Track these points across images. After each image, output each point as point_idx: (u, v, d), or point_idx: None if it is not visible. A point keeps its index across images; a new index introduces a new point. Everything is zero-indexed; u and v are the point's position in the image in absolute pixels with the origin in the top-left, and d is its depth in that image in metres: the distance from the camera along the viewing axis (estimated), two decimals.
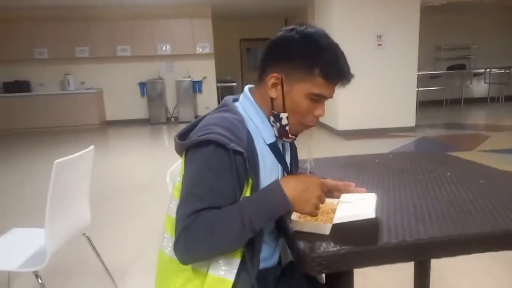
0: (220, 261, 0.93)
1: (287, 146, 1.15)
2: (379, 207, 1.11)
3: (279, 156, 1.06)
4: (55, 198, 1.60)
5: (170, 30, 8.96)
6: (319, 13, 7.29)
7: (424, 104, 9.76)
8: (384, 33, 6.41)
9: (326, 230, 0.96)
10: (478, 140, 5.77)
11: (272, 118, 1.02)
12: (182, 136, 1.01)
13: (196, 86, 9.32)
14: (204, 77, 9.44)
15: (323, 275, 1.09)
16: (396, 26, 6.41)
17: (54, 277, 2.34)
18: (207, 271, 0.94)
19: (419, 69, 7.08)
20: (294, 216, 1.02)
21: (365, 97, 6.61)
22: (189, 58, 9.30)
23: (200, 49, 9.16)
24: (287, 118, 0.99)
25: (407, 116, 6.77)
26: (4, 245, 1.83)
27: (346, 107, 6.60)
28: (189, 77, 9.22)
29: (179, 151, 1.01)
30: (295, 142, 1.16)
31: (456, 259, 2.39)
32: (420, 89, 8.90)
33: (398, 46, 6.47)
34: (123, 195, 3.99)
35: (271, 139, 1.04)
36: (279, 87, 0.98)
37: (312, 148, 1.11)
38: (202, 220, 0.85)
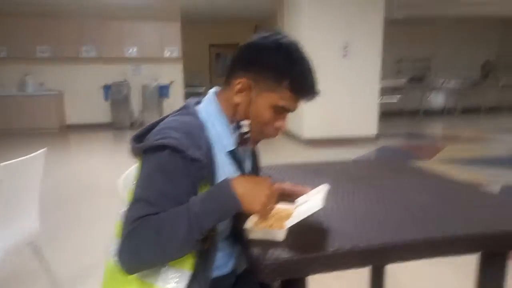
0: (169, 273, 0.89)
1: (248, 154, 1.13)
2: (334, 212, 1.11)
3: (238, 165, 1.04)
4: (2, 203, 1.50)
5: (138, 32, 8.78)
6: (289, 21, 7.40)
7: (386, 114, 10.09)
8: (350, 43, 6.59)
9: (279, 236, 0.95)
10: (435, 150, 6.01)
11: (234, 124, 1.01)
12: (139, 138, 0.98)
13: (163, 91, 9.16)
14: (172, 82, 9.30)
15: (279, 282, 1.08)
16: (361, 37, 6.61)
17: (4, 287, 2.20)
18: (155, 283, 0.89)
19: (381, 80, 7.34)
20: (248, 224, 1.00)
21: (330, 106, 6.74)
22: (156, 61, 9.15)
23: (169, 53, 9.03)
24: (249, 125, 0.98)
25: (369, 125, 6.97)
26: None
27: (311, 115, 6.71)
28: (156, 81, 9.06)
29: (135, 154, 0.97)
30: (258, 151, 1.16)
31: (411, 264, 2.46)
32: (382, 99, 9.23)
33: (363, 57, 6.68)
34: (81, 202, 3.83)
35: (230, 146, 1.01)
36: (245, 93, 0.97)
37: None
38: (148, 222, 0.81)
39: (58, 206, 3.57)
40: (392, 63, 10.74)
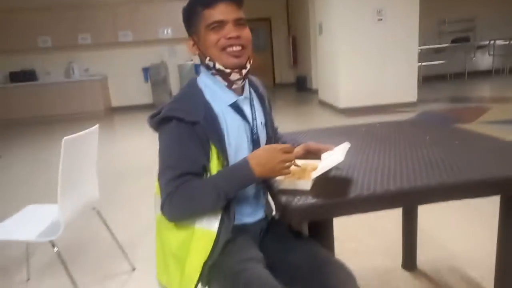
0: (204, 217, 1.08)
1: (259, 105, 1.24)
2: (357, 166, 1.22)
3: (242, 114, 1.16)
4: (66, 173, 1.73)
5: (170, 14, 8.95)
6: None
7: (428, 79, 9.72)
8: (384, 7, 6.37)
9: (307, 186, 1.08)
10: (479, 112, 5.79)
11: (211, 72, 1.14)
12: (154, 116, 1.14)
13: (199, 69, 9.32)
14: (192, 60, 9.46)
15: (307, 228, 1.21)
16: (396, 0, 6.36)
17: (69, 250, 2.51)
18: (194, 225, 1.08)
19: (422, 44, 7.04)
20: (279, 176, 1.13)
21: (366, 74, 6.62)
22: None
23: None
24: (210, 60, 1.11)
25: (409, 91, 6.78)
26: (21, 220, 1.98)
27: (347, 84, 6.64)
28: (191, 61, 9.27)
29: (153, 129, 1.16)
30: (267, 97, 1.28)
31: (440, 218, 2.51)
32: (423, 63, 8.88)
33: (399, 20, 6.44)
34: (130, 176, 4.15)
35: (231, 100, 1.15)
36: (196, 45, 1.13)
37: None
38: (183, 190, 1.02)
39: (108, 181, 3.90)
40: (433, 25, 10.23)
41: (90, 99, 8.82)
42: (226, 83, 1.13)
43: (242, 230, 1.17)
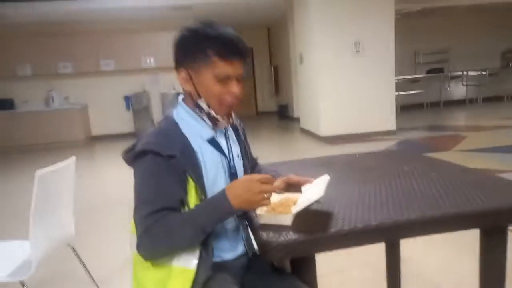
0: (181, 254, 1.04)
1: (233, 138, 1.24)
2: (338, 199, 1.21)
3: (219, 149, 1.15)
4: (39, 208, 1.66)
5: (153, 43, 9.05)
6: (299, 21, 7.49)
7: (405, 108, 10.00)
8: (362, 40, 6.61)
9: (288, 221, 1.06)
10: (455, 141, 5.96)
11: (197, 110, 1.12)
12: (129, 150, 1.12)
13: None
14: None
15: (288, 264, 1.18)
16: (373, 33, 6.62)
17: (43, 287, 2.38)
18: (171, 264, 1.04)
19: (399, 74, 7.29)
20: (259, 210, 1.11)
21: (346, 103, 6.78)
22: (173, 70, 9.37)
23: None
24: (207, 104, 1.10)
25: (388, 120, 6.95)
26: None
27: (328, 112, 6.76)
28: (174, 89, 9.30)
29: (128, 163, 1.13)
30: (243, 130, 1.29)
31: (423, 248, 2.51)
32: (400, 93, 9.16)
33: (376, 52, 6.68)
34: (107, 209, 4.03)
35: (208, 135, 1.14)
36: (190, 81, 1.10)
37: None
38: (161, 225, 0.98)
39: (85, 213, 3.77)
40: (409, 57, 10.65)
41: (70, 128, 8.67)
42: (211, 124, 1.13)
43: (222, 267, 1.14)
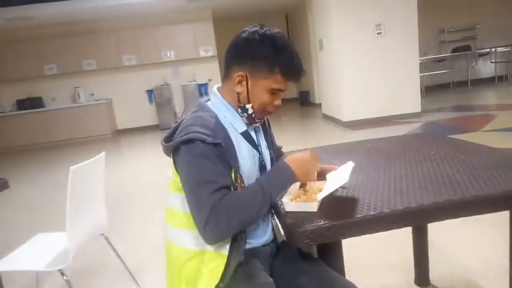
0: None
1: (261, 132, 1.27)
2: (363, 185, 1.22)
3: (252, 142, 1.19)
4: (73, 202, 1.74)
5: (172, 36, 9.14)
6: (318, 6, 7.35)
7: (431, 89, 9.72)
8: (383, 21, 6.43)
9: (314, 208, 1.08)
10: (484, 121, 5.76)
11: (239, 110, 1.16)
12: (167, 139, 1.15)
13: (202, 89, 9.47)
14: (210, 80, 9.59)
15: (315, 250, 1.20)
16: (394, 13, 6.43)
17: (79, 276, 2.50)
18: (205, 249, 1.08)
19: (424, 54, 7.06)
20: (285, 198, 1.13)
21: (368, 87, 6.65)
22: (193, 62, 9.47)
23: (204, 53, 9.31)
24: (252, 107, 1.13)
25: (412, 102, 6.78)
26: (30, 249, 1.99)
27: (350, 97, 6.66)
28: (195, 81, 9.39)
29: (167, 152, 1.15)
30: (269, 127, 1.34)
31: (452, 232, 2.47)
32: (425, 73, 8.90)
33: (398, 33, 6.49)
34: (138, 198, 4.16)
35: (242, 128, 1.17)
36: (244, 83, 1.11)
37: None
38: (228, 199, 1.00)
39: (115, 205, 3.91)
40: (433, 35, 10.30)
41: (96, 123, 8.93)
42: (247, 121, 1.18)
43: (252, 254, 1.17)
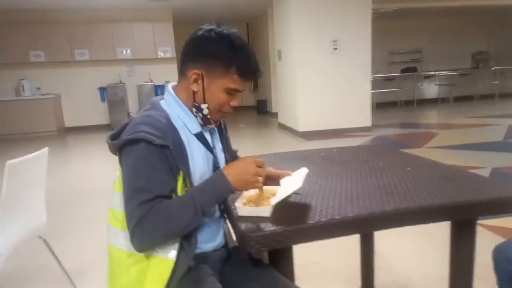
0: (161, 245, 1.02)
1: (216, 134, 1.25)
2: (316, 192, 1.23)
3: (206, 144, 1.16)
4: (9, 199, 1.61)
5: (130, 34, 8.86)
6: (278, 17, 7.50)
7: (380, 105, 10.23)
8: (339, 38, 6.69)
9: (267, 213, 1.07)
10: (427, 138, 6.15)
11: (194, 110, 1.13)
12: (114, 136, 1.10)
13: (159, 90, 9.25)
14: (167, 81, 9.37)
15: (267, 255, 1.19)
16: (350, 31, 6.72)
17: (11, 282, 2.30)
18: (150, 254, 1.03)
19: (375, 73, 7.44)
20: (238, 202, 1.12)
21: (323, 99, 6.86)
22: (150, 62, 9.23)
23: (162, 53, 9.12)
24: (207, 108, 1.11)
25: (363, 116, 7.09)
26: None
27: (305, 108, 6.83)
28: (151, 81, 9.15)
29: (112, 150, 1.10)
30: (226, 128, 1.31)
31: (396, 242, 2.58)
32: (376, 91, 9.35)
33: (353, 50, 6.78)
34: (83, 200, 3.94)
35: (196, 129, 1.14)
36: (199, 81, 1.09)
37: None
38: (158, 210, 0.96)
39: (59, 206, 3.67)
40: (384, 56, 10.88)
41: (42, 119, 8.39)
42: (201, 122, 1.15)
43: (201, 258, 1.13)
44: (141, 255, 1.03)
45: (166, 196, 1.00)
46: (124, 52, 8.93)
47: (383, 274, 2.17)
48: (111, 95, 8.85)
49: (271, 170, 1.26)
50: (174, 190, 1.04)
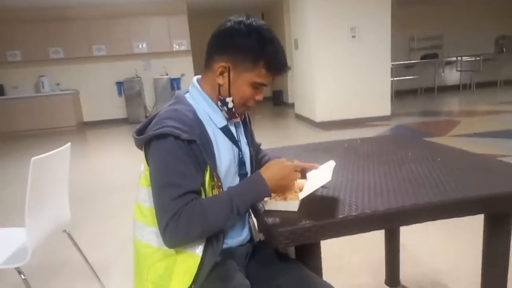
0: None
1: (241, 128, 1.22)
2: (343, 185, 1.19)
3: (232, 138, 1.14)
4: (34, 195, 1.62)
5: (145, 28, 8.90)
6: (294, 7, 7.37)
7: (400, 93, 10.01)
8: (358, 25, 6.54)
9: (295, 207, 1.04)
10: (450, 126, 5.98)
11: (219, 103, 1.10)
12: (140, 131, 1.08)
13: (175, 84, 9.29)
14: (183, 74, 9.41)
15: (293, 250, 1.17)
16: (369, 18, 6.54)
17: (38, 274, 2.36)
18: (178, 248, 1.01)
19: (394, 60, 7.26)
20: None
21: (341, 89, 6.74)
22: (166, 55, 9.26)
23: (177, 46, 9.12)
24: (232, 101, 1.08)
25: (382, 105, 6.94)
26: None
27: (323, 99, 6.73)
28: (167, 75, 9.19)
29: (138, 145, 1.08)
30: (250, 121, 1.28)
31: (422, 235, 2.52)
32: (395, 78, 9.15)
33: (372, 37, 6.62)
34: (103, 194, 3.99)
35: (222, 123, 1.11)
36: (226, 74, 1.05)
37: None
38: (194, 206, 0.95)
39: (80, 199, 3.74)
40: (404, 42, 10.61)
41: (61, 114, 8.56)
42: (227, 116, 1.12)
43: (228, 254, 1.12)
44: (169, 250, 1.02)
45: (197, 191, 0.99)
46: (140, 46, 8.98)
47: (409, 267, 2.12)
48: (128, 89, 8.93)
49: (297, 163, 1.23)
50: (202, 184, 1.02)
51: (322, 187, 1.17)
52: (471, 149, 1.58)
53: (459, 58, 10.47)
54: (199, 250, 1.01)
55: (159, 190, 0.97)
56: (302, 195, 1.05)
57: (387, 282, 2.01)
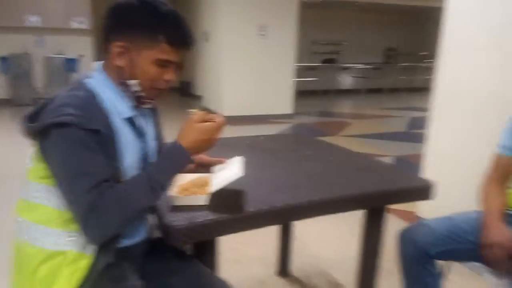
0: (79, 238, 0.94)
1: (150, 119, 1.15)
2: (243, 181, 1.23)
3: (138, 130, 1.05)
4: None
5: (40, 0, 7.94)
6: (207, 2, 7.30)
7: (302, 93, 10.63)
8: (266, 24, 6.76)
9: (203, 201, 1.04)
10: (342, 126, 6.58)
11: (122, 88, 1.01)
12: (32, 117, 0.94)
13: (70, 65, 8.47)
14: (81, 55, 8.63)
15: (191, 247, 1.17)
16: (278, 18, 6.81)
17: None
18: (65, 248, 0.94)
19: (298, 61, 7.69)
20: (173, 191, 1.07)
21: (248, 85, 6.91)
22: (62, 32, 8.38)
23: (76, 24, 8.33)
24: (138, 84, 1.00)
25: (286, 103, 7.32)
26: None
27: (230, 93, 6.82)
28: (63, 55, 8.33)
29: (29, 133, 0.94)
30: (158, 111, 1.21)
31: (312, 227, 2.71)
32: (298, 79, 9.69)
33: (279, 37, 6.90)
34: None
35: (127, 113, 1.02)
36: (125, 55, 0.97)
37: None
38: (109, 194, 0.88)
39: None
40: (308, 45, 11.28)
41: None
42: (135, 102, 1.03)
43: (123, 253, 1.04)
44: (54, 250, 0.93)
45: (111, 180, 0.91)
46: (32, 19, 7.98)
47: (299, 258, 2.28)
48: (14, 67, 7.87)
49: (204, 157, 1.22)
50: (113, 176, 0.93)
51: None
52: (357, 148, 1.76)
53: (353, 65, 11.54)
54: (90, 249, 0.94)
55: (70, 183, 0.89)
56: (211, 189, 1.05)
57: (278, 272, 2.14)
